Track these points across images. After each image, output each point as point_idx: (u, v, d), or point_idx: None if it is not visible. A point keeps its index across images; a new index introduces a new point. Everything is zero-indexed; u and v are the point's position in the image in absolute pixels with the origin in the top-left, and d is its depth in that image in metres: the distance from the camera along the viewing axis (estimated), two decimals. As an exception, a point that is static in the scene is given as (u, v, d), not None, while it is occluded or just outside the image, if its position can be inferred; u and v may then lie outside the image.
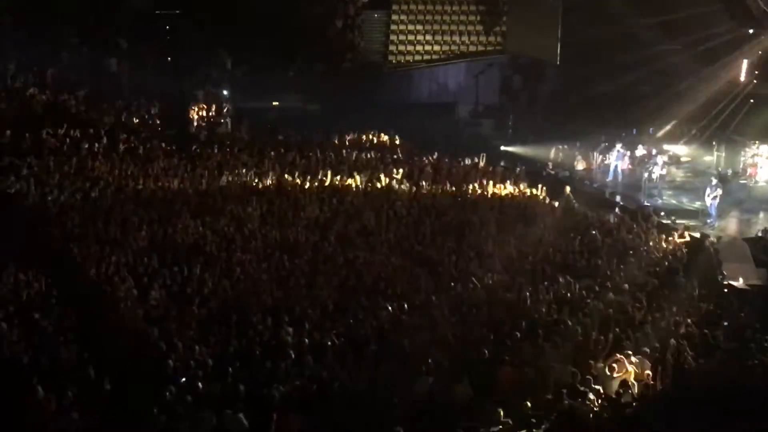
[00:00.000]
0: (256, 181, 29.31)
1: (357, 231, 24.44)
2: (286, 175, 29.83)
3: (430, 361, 15.50)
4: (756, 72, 34.18)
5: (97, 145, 32.38)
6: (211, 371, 15.31)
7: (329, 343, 16.49)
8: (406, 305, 18.51)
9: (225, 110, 39.32)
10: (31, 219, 24.65)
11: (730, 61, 34.81)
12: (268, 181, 29.26)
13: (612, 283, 20.41)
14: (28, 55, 37.47)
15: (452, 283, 20.22)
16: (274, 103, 41.10)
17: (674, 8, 35.01)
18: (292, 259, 21.81)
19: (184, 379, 14.99)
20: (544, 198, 28.94)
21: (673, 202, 30.58)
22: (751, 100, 34.06)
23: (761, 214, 28.90)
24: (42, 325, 17.42)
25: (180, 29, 41.17)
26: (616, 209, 28.21)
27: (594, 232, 24.85)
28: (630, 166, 33.44)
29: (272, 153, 32.89)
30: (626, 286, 20.22)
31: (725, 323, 18.08)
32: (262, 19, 40.03)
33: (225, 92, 40.96)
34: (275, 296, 19.27)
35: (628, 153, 33.62)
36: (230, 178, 29.38)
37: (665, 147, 35.03)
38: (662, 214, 28.05)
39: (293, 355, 15.86)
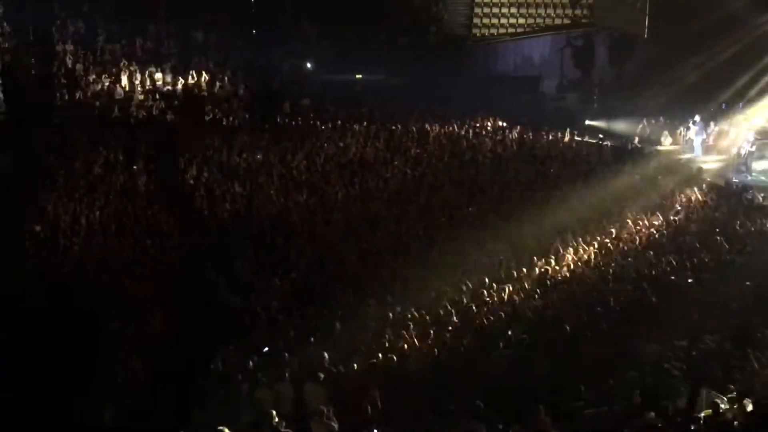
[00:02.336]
0: (340, 153, 29.43)
1: (438, 205, 24.41)
2: (368, 148, 29.91)
3: (509, 334, 15.48)
4: None
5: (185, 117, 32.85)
6: (293, 342, 15.49)
7: (409, 316, 16.55)
8: (487, 280, 18.47)
9: (309, 83, 39.50)
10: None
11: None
12: (351, 154, 29.36)
13: (698, 261, 20.09)
14: (116, 27, 38.02)
15: (534, 259, 20.10)
16: (358, 76, 41.13)
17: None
18: (374, 231, 21.90)
19: (266, 349, 15.21)
20: (629, 174, 28.55)
21: (763, 179, 29.93)
22: None
23: None
24: (130, 294, 17.82)
25: (265, 1, 41.42)
26: (704, 185, 27.72)
27: (680, 208, 24.47)
28: (719, 142, 32.80)
29: (355, 126, 33.00)
30: (713, 264, 19.88)
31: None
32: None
33: (309, 65, 41.15)
34: (357, 269, 19.39)
35: (713, 128, 32.99)
36: (314, 151, 29.54)
37: (756, 122, 34.23)
38: (751, 191, 27.48)
39: (374, 328, 15.98)
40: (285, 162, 28.13)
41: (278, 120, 33.98)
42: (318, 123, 33.55)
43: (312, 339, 15.47)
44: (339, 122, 33.53)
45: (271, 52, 40.54)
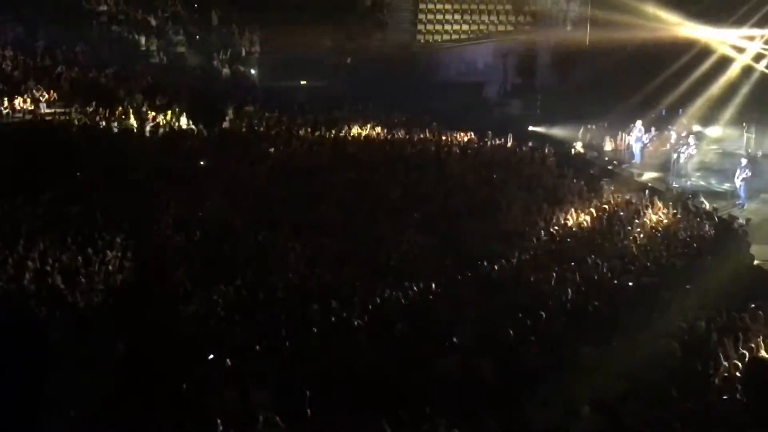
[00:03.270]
0: (284, 159, 29.40)
1: (385, 210, 24.49)
2: (314, 154, 29.91)
3: (455, 339, 15.56)
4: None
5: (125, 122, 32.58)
6: (239, 349, 15.43)
7: (356, 322, 16.56)
8: (432, 284, 18.56)
9: (253, 89, 39.42)
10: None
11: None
12: (297, 160, 29.34)
13: (640, 264, 20.36)
14: (57, 32, 37.64)
15: (479, 263, 20.24)
16: (302, 82, 41.12)
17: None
18: (320, 236, 21.90)
19: (212, 357, 15.12)
20: (572, 178, 28.86)
21: (702, 183, 30.43)
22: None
23: (791, 196, 28.72)
24: (72, 302, 17.61)
25: (209, 7, 41.27)
26: (645, 190, 28.10)
27: (621, 212, 24.78)
28: (658, 147, 33.30)
29: (301, 132, 32.98)
30: (654, 267, 20.17)
31: (752, 305, 17.99)
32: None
33: (253, 71, 41.05)
34: (302, 274, 19.37)
35: (653, 133, 33.51)
36: (258, 157, 29.48)
37: (694, 128, 34.79)
38: (691, 195, 27.95)
39: (319, 334, 15.96)
40: (230, 168, 28.04)
41: (222, 126, 33.85)
42: (262, 129, 33.47)
43: (258, 346, 15.41)
44: (284, 128, 33.48)
45: (214, 58, 40.40)
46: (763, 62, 34.26)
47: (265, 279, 19.24)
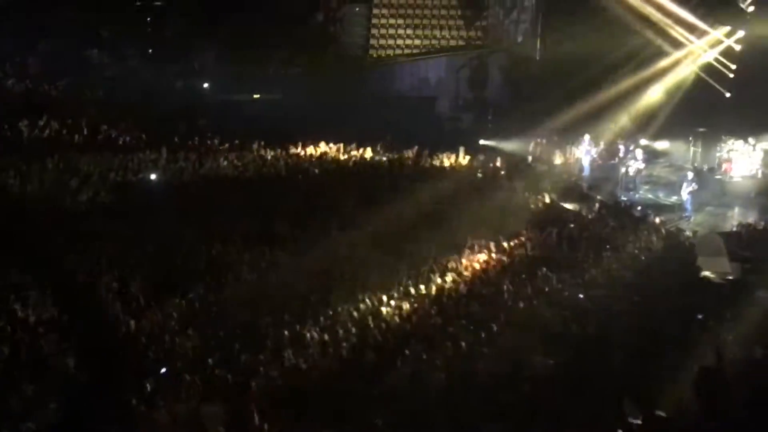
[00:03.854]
0: (237, 173, 29.36)
1: (337, 224, 24.54)
2: (266, 168, 29.90)
3: (407, 352, 15.67)
4: (733, 68, 34.46)
5: (77, 136, 32.34)
6: (191, 363, 15.42)
7: (308, 335, 16.62)
8: (384, 297, 18.66)
9: (206, 103, 39.29)
10: (8, 212, 24.61)
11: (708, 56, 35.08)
12: (249, 173, 29.32)
13: (589, 277, 20.63)
14: (7, 44, 37.32)
15: (431, 276, 20.38)
16: (255, 96, 41.07)
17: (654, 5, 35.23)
18: (273, 251, 21.92)
19: (164, 370, 15.11)
20: (523, 191, 29.11)
21: (650, 196, 30.85)
22: (727, 95, 34.33)
23: (736, 209, 29.21)
24: (22, 317, 17.48)
25: (162, 20, 41.15)
26: (594, 204, 28.43)
27: (571, 225, 25.05)
28: (607, 161, 33.74)
29: (253, 146, 32.93)
30: (603, 280, 20.44)
31: (700, 317, 18.30)
32: (243, 12, 40.05)
33: (205, 85, 40.95)
34: (255, 288, 19.38)
35: (601, 147, 33.97)
36: (211, 171, 29.42)
37: (642, 141, 35.26)
38: (639, 208, 28.35)
39: (272, 347, 16.01)
40: (181, 182, 27.96)
41: (175, 140, 33.68)
42: (215, 143, 33.39)
43: (210, 359, 15.42)
44: (236, 142, 33.43)
45: (167, 72, 40.25)
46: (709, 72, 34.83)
47: (218, 292, 19.23)
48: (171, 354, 15.83)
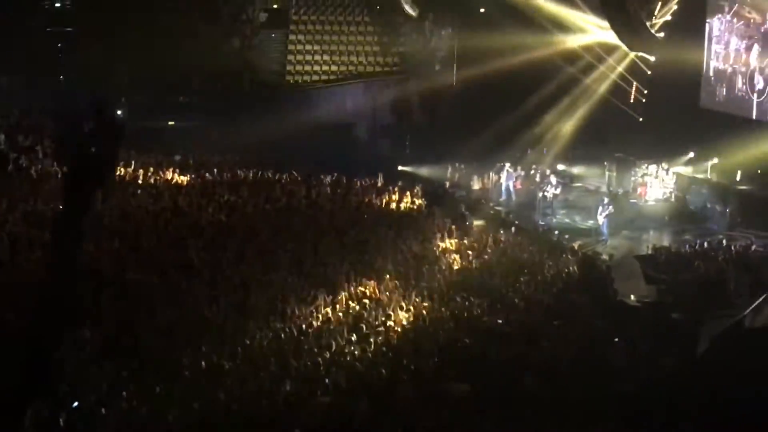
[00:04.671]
0: (152, 201, 28.91)
1: (254, 251, 24.28)
2: (182, 195, 29.51)
3: (327, 381, 15.49)
4: (645, 92, 35.12)
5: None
6: (105, 395, 15.03)
7: (226, 365, 16.33)
8: (303, 326, 18.46)
9: (120, 130, 38.65)
10: None
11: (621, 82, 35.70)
12: (164, 201, 28.88)
13: (508, 301, 20.66)
14: None
15: (351, 303, 20.22)
16: (170, 123, 40.63)
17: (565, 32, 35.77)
18: (188, 279, 21.55)
19: (76, 404, 14.70)
20: (441, 218, 29.14)
21: (567, 221, 31.22)
22: (640, 119, 34.97)
23: (651, 232, 29.70)
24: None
25: (74, 48, 40.54)
26: (512, 228, 28.60)
27: (490, 251, 25.13)
28: (524, 186, 34.02)
29: (168, 173, 32.51)
30: (522, 304, 20.50)
31: (616, 340, 18.45)
32: (158, 39, 39.66)
33: (119, 112, 40.32)
34: (170, 317, 19.00)
35: (522, 173, 34.24)
36: (125, 198, 28.91)
37: (559, 167, 35.70)
38: (556, 232, 28.61)
39: (189, 378, 15.68)
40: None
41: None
42: (129, 170, 32.88)
43: (125, 392, 15.03)
44: (151, 169, 32.96)
45: (80, 99, 39.58)
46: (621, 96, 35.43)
47: (132, 323, 18.80)
48: (83, 387, 15.38)
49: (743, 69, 31.59)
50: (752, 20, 30.96)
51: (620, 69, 35.20)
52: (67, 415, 14.11)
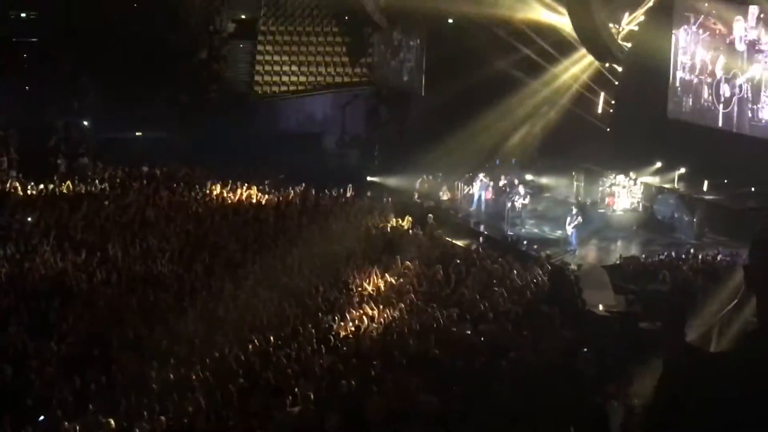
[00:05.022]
0: (119, 213, 28.74)
1: (223, 263, 24.19)
2: (149, 207, 29.35)
3: (296, 391, 15.43)
4: (612, 103, 35.30)
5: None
6: (72, 408, 14.89)
7: (194, 377, 16.23)
8: (272, 338, 18.38)
9: (87, 141, 38.47)
10: None
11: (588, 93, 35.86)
12: (132, 213, 28.72)
13: (477, 312, 20.66)
14: None
15: (320, 315, 20.16)
16: (138, 134, 40.42)
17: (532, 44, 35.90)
18: (156, 292, 21.42)
19: (42, 418, 14.57)
20: (410, 228, 29.15)
21: (535, 231, 31.28)
22: (608, 130, 35.13)
23: (619, 242, 29.83)
24: None
25: (40, 58, 40.27)
26: (481, 239, 28.64)
27: (458, 261, 25.14)
28: (493, 196, 34.11)
29: (135, 185, 32.32)
30: (491, 314, 20.50)
31: (585, 350, 18.48)
32: (125, 49, 39.49)
33: (86, 123, 40.08)
34: (139, 331, 18.88)
35: (491, 183, 34.32)
36: (92, 211, 28.73)
37: (527, 177, 35.81)
38: (525, 242, 28.69)
39: (158, 391, 15.57)
40: (61, 222, 27.20)
41: (54, 179, 32.88)
42: (97, 182, 32.68)
43: (91, 405, 14.90)
44: (118, 181, 32.77)
45: (46, 110, 39.30)
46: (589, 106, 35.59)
47: (100, 335, 18.67)
48: (50, 401, 15.25)
49: (709, 80, 31.79)
50: (717, 31, 31.20)
51: (588, 80, 35.37)
52: (33, 429, 13.98)
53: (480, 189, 33.96)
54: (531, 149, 37.45)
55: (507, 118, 36.87)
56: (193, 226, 27.64)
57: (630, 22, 33.90)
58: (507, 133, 37.38)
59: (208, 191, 32.34)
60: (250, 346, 17.91)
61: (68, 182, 32.70)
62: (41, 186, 31.81)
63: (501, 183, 34.73)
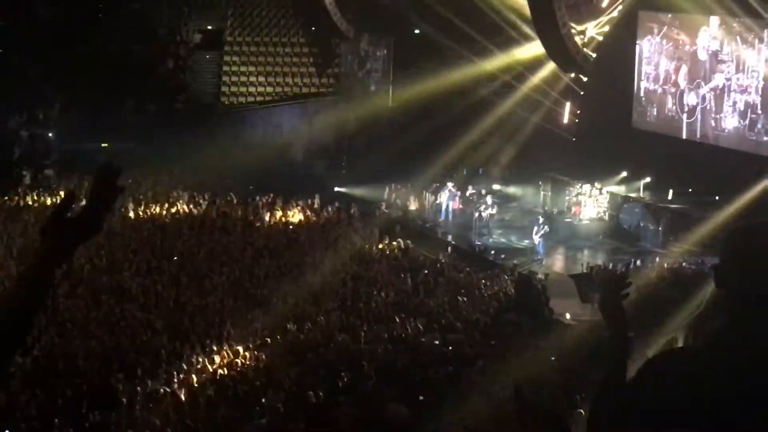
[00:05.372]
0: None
1: (190, 274, 24.07)
2: (115, 217, 29.15)
3: (263, 402, 15.39)
4: (577, 112, 35.53)
5: None
6: (37, 423, 14.75)
7: (162, 390, 16.13)
8: (240, 348, 18.31)
9: (52, 153, 38.20)
10: None
11: (554, 103, 36.05)
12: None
13: (446, 322, 20.70)
14: None
15: (287, 325, 20.11)
16: (104, 145, 40.13)
17: (500, 53, 36.07)
18: (122, 304, 21.28)
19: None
20: (378, 238, 29.14)
21: (503, 240, 31.37)
22: (572, 139, 35.36)
23: (585, 251, 29.99)
24: None
25: (4, 69, 39.93)
26: (449, 248, 28.70)
27: (426, 271, 25.17)
28: (461, 206, 34.20)
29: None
30: (459, 324, 20.54)
31: (553, 358, 18.56)
32: (91, 59, 39.25)
33: (51, 134, 39.79)
34: (105, 343, 18.74)
35: (459, 192, 34.42)
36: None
37: (494, 187, 35.92)
38: (492, 252, 28.78)
39: (125, 404, 15.46)
40: (26, 234, 26.96)
41: (18, 191, 32.61)
42: (62, 193, 32.39)
43: (57, 420, 14.77)
44: (84, 192, 32.50)
45: (10, 121, 38.99)
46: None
47: (65, 348, 18.50)
48: (14, 414, 15.08)
49: (673, 90, 32.13)
50: (681, 42, 31.54)
51: (553, 90, 35.57)
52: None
53: (448, 199, 34.03)
54: (498, 159, 37.57)
55: (474, 128, 36.98)
56: (159, 237, 27.49)
57: (595, 33, 34.16)
58: (474, 142, 37.48)
59: (174, 202, 32.16)
60: (217, 358, 17.83)
61: (33, 194, 32.44)
62: (5, 197, 31.51)
63: (468, 193, 34.83)
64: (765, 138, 29.07)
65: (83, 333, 19.32)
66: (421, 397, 15.90)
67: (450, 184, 34.43)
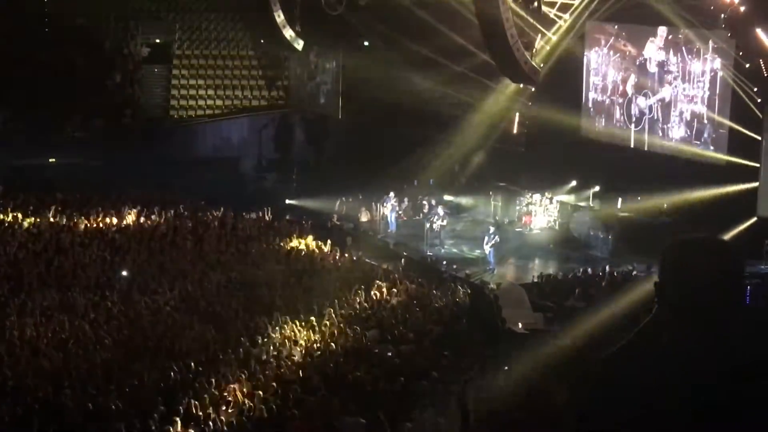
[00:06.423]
0: (33, 241, 28.16)
1: (140, 289, 23.86)
2: (64, 233, 28.84)
3: (216, 418, 15.27)
4: (527, 123, 35.77)
5: None
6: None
7: (113, 406, 15.94)
8: (192, 364, 18.15)
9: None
10: None
11: (503, 113, 36.23)
12: (46, 240, 28.17)
13: (398, 333, 20.70)
14: None
15: (241, 339, 19.99)
16: (51, 160, 39.70)
17: (449, 65, 36.17)
18: (71, 320, 21.03)
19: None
20: (330, 251, 29.11)
21: (455, 251, 31.47)
22: (522, 150, 35.59)
23: (536, 260, 30.18)
24: None
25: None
26: (402, 260, 28.72)
27: (379, 282, 25.17)
28: (404, 217, 34.34)
29: (49, 212, 31.64)
30: (411, 335, 20.55)
31: (506, 368, 18.62)
32: (36, 75, 38.83)
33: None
34: (54, 359, 18.50)
35: (402, 203, 34.56)
36: (4, 239, 28.12)
37: (446, 197, 36.03)
38: (444, 263, 28.85)
39: (75, 421, 15.26)
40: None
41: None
42: (8, 210, 31.96)
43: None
44: (31, 208, 32.10)
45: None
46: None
47: (14, 365, 18.24)
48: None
49: (620, 100, 32.47)
50: (628, 53, 31.89)
51: (503, 101, 35.73)
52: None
53: (391, 210, 34.10)
54: (449, 170, 37.68)
55: (424, 139, 37.08)
56: (109, 253, 27.23)
57: (543, 45, 34.39)
58: (424, 153, 37.57)
59: (124, 217, 31.85)
60: (171, 373, 17.67)
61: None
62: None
63: (419, 203, 34.95)
64: (711, 147, 29.46)
65: (33, 350, 19.06)
66: (373, 409, 15.87)
67: (392, 194, 34.40)
